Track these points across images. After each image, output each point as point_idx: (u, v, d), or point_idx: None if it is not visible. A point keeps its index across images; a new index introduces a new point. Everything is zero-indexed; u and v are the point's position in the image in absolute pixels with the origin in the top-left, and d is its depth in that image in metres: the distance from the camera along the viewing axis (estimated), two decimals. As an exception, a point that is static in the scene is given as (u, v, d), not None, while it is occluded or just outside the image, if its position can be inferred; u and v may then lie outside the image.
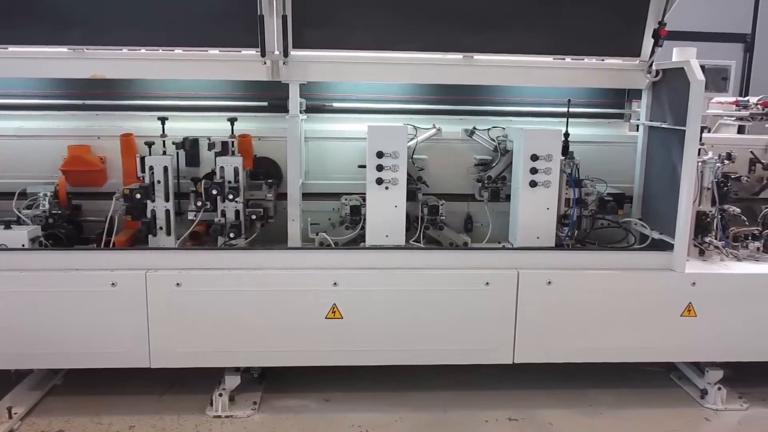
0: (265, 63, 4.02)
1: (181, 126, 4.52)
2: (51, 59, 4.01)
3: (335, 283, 3.85)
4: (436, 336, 3.96)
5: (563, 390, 4.27)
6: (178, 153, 4.38)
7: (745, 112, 4.87)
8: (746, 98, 4.97)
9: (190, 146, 4.38)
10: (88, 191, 4.49)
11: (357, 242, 4.37)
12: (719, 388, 4.15)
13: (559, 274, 3.97)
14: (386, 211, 4.18)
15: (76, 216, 4.46)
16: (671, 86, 4.16)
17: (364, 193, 4.22)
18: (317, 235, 4.40)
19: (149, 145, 4.24)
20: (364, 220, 4.27)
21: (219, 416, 3.87)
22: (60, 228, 4.20)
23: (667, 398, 4.26)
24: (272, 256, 3.94)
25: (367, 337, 3.92)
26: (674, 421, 3.99)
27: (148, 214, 4.13)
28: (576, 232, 4.46)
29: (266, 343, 3.88)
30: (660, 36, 4.17)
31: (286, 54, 3.98)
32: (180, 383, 4.19)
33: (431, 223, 4.49)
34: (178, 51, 4.07)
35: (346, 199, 4.44)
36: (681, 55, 4.19)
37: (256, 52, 3.97)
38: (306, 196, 4.48)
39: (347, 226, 4.40)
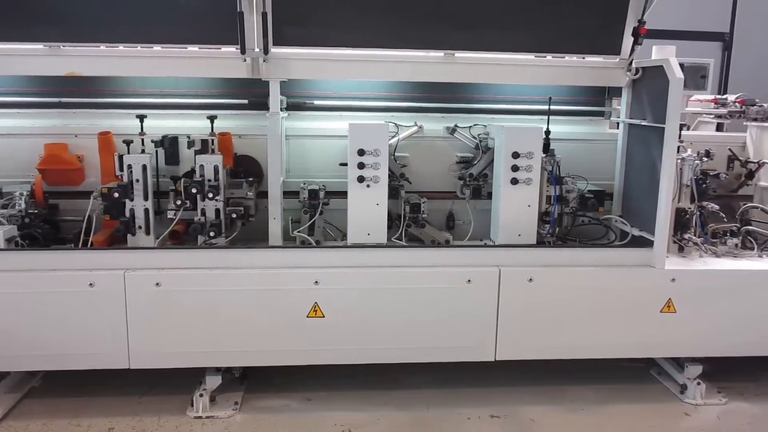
0: (245, 60, 3.98)
1: (160, 124, 4.47)
2: (26, 56, 3.94)
3: (317, 282, 3.83)
4: (418, 334, 3.96)
5: (545, 387, 4.29)
6: (157, 151, 4.33)
7: (723, 110, 4.91)
8: (724, 96, 5.01)
9: (169, 144, 4.33)
10: (65, 190, 4.43)
11: (313, 228, 4.37)
12: (698, 383, 4.19)
13: (541, 271, 3.98)
14: (368, 209, 4.17)
15: (53, 215, 4.40)
16: (651, 84, 4.18)
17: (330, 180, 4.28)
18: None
19: (128, 143, 4.19)
20: (322, 204, 4.30)
21: (200, 417, 3.84)
22: (37, 228, 4.14)
23: (647, 394, 4.29)
24: (253, 255, 3.91)
25: (348, 335, 3.91)
26: (654, 416, 4.02)
27: (127, 214, 4.08)
28: (557, 229, 4.48)
29: (247, 342, 3.85)
30: (640, 34, 4.20)
31: (266, 51, 3.95)
32: (160, 384, 4.14)
33: (413, 220, 4.48)
34: (157, 48, 4.02)
35: (305, 183, 4.42)
36: (660, 53, 4.22)
37: (236, 49, 3.94)
38: (287, 194, 4.44)
39: (305, 211, 4.38)
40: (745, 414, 4.08)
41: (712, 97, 5.00)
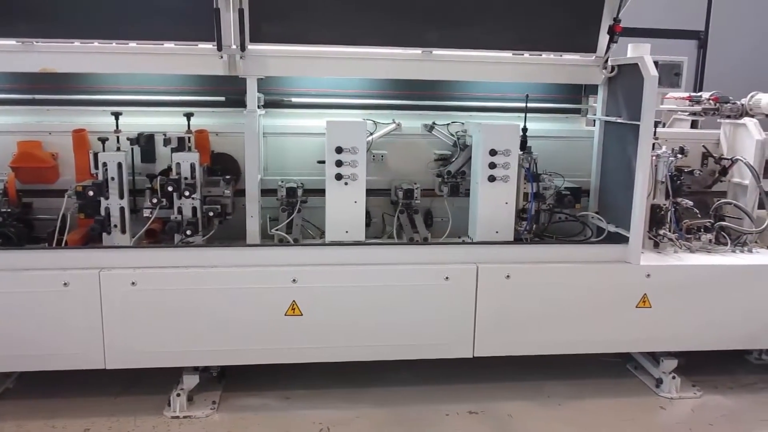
0: (221, 57, 3.96)
1: (136, 121, 4.43)
2: (-1, 52, 3.89)
3: (294, 280, 3.82)
4: (397, 331, 3.96)
5: (522, 382, 4.32)
6: (132, 149, 4.28)
7: (697, 107, 4.97)
8: (699, 94, 5.07)
9: (145, 142, 4.29)
10: (39, 188, 4.37)
11: (291, 226, 4.36)
12: (673, 377, 4.24)
13: (518, 267, 4.01)
14: (346, 207, 4.17)
15: (27, 214, 4.34)
16: (626, 82, 4.22)
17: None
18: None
19: (103, 141, 4.13)
20: (301, 202, 4.31)
21: (177, 417, 3.81)
22: (10, 227, 4.08)
23: (624, 388, 4.34)
24: (230, 254, 3.88)
25: (327, 333, 3.90)
26: (630, 410, 4.07)
27: (102, 212, 4.04)
28: (534, 226, 4.50)
29: (225, 341, 3.83)
30: (615, 32, 4.24)
31: (243, 48, 3.92)
32: (137, 384, 4.11)
33: (406, 207, 4.53)
34: (132, 44, 3.98)
35: (283, 181, 4.39)
36: (635, 51, 4.26)
37: (213, 46, 3.92)
38: (265, 192, 4.42)
39: (283, 209, 4.36)
40: (719, 407, 4.14)
41: (686, 94, 5.05)
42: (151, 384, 4.05)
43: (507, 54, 4.31)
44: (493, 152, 4.24)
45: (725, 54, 7.71)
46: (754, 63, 7.61)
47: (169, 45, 4.00)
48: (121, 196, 4.05)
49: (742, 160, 4.63)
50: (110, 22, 3.91)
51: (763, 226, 4.50)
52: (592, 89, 4.79)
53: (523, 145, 4.44)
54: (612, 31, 4.23)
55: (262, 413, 3.91)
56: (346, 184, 4.14)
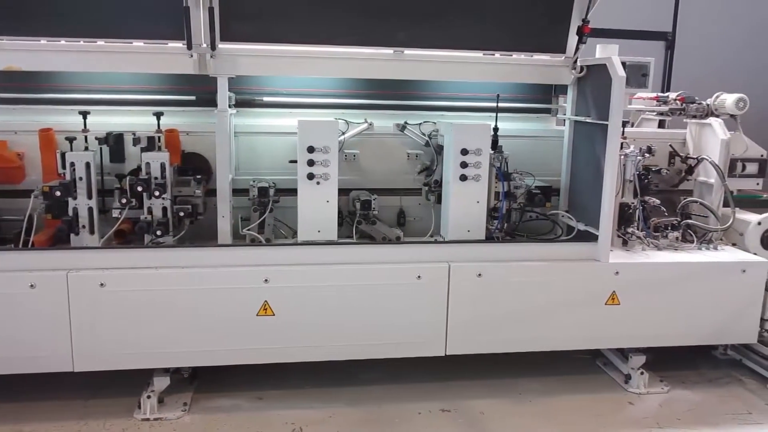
0: (191, 56, 3.93)
1: (105, 121, 4.37)
2: (-39, 50, 3.81)
3: (266, 280, 3.80)
4: (369, 330, 3.97)
5: (494, 380, 4.35)
6: (101, 149, 4.22)
7: (664, 107, 5.05)
8: (666, 94, 5.15)
9: (114, 142, 4.23)
10: (4, 189, 4.29)
11: (263, 226, 4.35)
12: (642, 373, 4.31)
13: (489, 266, 4.04)
14: (318, 207, 4.16)
15: (-7, 215, 4.27)
16: (595, 82, 4.28)
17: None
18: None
19: (70, 140, 4.06)
20: (273, 202, 4.31)
21: (147, 419, 3.77)
22: (-26, 228, 4.01)
23: (593, 384, 4.40)
24: (201, 254, 3.86)
25: (299, 333, 3.89)
26: (600, 405, 4.13)
27: (70, 213, 3.98)
28: (505, 224, 4.54)
29: (196, 342, 3.80)
30: (584, 33, 4.29)
31: (213, 47, 3.89)
32: (107, 387, 4.05)
33: (364, 217, 4.49)
34: (101, 43, 3.93)
35: (254, 181, 4.39)
36: (603, 52, 4.32)
37: (183, 44, 3.88)
38: (236, 192, 4.39)
39: (255, 209, 4.34)
40: (686, 401, 4.22)
41: (654, 94, 5.13)
42: (121, 386, 4.00)
43: (478, 54, 4.34)
44: (464, 152, 4.26)
45: (692, 55, 7.85)
46: (719, 64, 7.76)
47: (138, 43, 3.95)
48: (90, 197, 4.00)
49: (707, 159, 4.72)
50: (78, 19, 3.85)
51: (728, 224, 4.59)
52: (561, 89, 4.85)
53: (494, 145, 4.48)
54: (581, 32, 4.29)
55: (234, 414, 3.89)
56: (318, 183, 4.13)
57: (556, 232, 4.73)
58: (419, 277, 3.95)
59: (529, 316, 4.11)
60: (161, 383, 3.87)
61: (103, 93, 4.49)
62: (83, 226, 4.00)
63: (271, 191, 4.36)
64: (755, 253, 4.50)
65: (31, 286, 3.58)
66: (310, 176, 4.11)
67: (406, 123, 4.70)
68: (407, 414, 3.96)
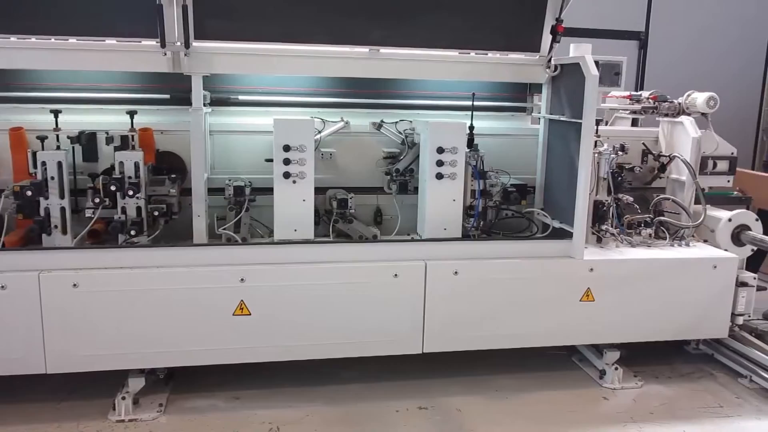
0: (165, 54, 3.89)
1: (77, 119, 4.31)
2: (-72, 47, 3.74)
3: (242, 280, 3.78)
4: (346, 329, 3.97)
5: (470, 377, 4.38)
6: (73, 148, 4.17)
7: (637, 106, 5.11)
8: (639, 93, 5.22)
9: (86, 141, 4.18)
10: (-26, 189, 4.22)
11: (239, 225, 4.33)
12: (616, 368, 4.36)
13: (466, 264, 4.06)
14: (294, 206, 4.15)
15: (-38, 216, 4.18)
16: (568, 81, 4.33)
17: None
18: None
19: (41, 139, 4.01)
20: (249, 201, 4.30)
21: (122, 420, 3.73)
22: (-57, 229, 3.93)
23: (569, 380, 4.45)
24: (176, 254, 3.83)
25: (276, 332, 3.88)
26: (575, 401, 4.17)
27: (42, 212, 3.92)
28: (481, 222, 4.57)
29: (172, 342, 3.77)
30: (557, 32, 4.33)
31: (187, 45, 3.86)
32: (80, 388, 4.00)
33: (340, 216, 4.49)
34: (72, 40, 3.88)
35: (230, 180, 4.37)
36: (577, 51, 4.35)
37: (156, 42, 3.85)
38: (212, 191, 4.36)
39: (231, 208, 4.33)
40: (659, 396, 4.28)
41: (627, 93, 5.20)
42: (95, 388, 3.95)
43: (453, 53, 4.36)
44: (440, 150, 4.28)
45: (664, 54, 7.97)
46: (691, 63, 7.88)
47: (111, 41, 3.91)
48: (62, 196, 3.94)
49: (679, 157, 4.78)
50: (49, 17, 3.79)
51: (699, 221, 4.66)
52: (536, 88, 4.88)
53: (470, 143, 4.50)
54: (555, 31, 4.33)
55: (210, 414, 3.87)
56: (294, 182, 4.12)
57: (532, 229, 4.76)
58: (396, 275, 3.96)
59: (506, 314, 4.14)
60: (136, 384, 3.83)
61: (75, 91, 4.42)
62: (55, 226, 3.95)
63: (247, 190, 4.33)
64: (726, 249, 4.57)
65: (2, 287, 3.52)
66: (287, 175, 4.10)
67: (382, 122, 4.71)
68: (384, 412, 3.96)
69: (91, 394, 3.94)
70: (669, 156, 4.89)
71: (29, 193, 3.84)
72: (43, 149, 3.97)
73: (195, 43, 3.90)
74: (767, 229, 4.71)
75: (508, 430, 3.83)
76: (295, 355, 3.98)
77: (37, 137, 4.02)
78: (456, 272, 4.03)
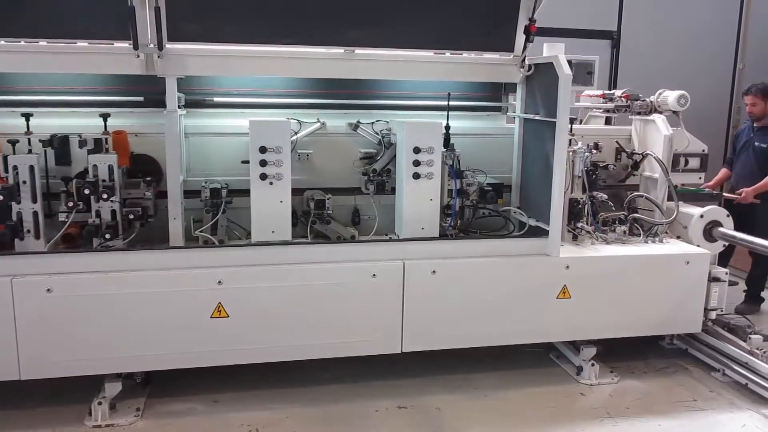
0: (138, 56, 3.87)
1: (49, 123, 4.24)
2: None
3: (220, 282, 3.77)
4: (325, 330, 3.97)
5: (450, 376, 4.40)
6: (45, 151, 4.11)
7: (610, 105, 5.18)
8: (612, 91, 5.29)
9: (59, 144, 4.11)
10: (-56, 194, 4.14)
11: (216, 227, 4.32)
12: (593, 364, 4.42)
13: (443, 263, 4.08)
14: (271, 207, 4.14)
15: (-68, 221, 4.10)
16: (542, 80, 4.37)
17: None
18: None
19: (13, 143, 3.94)
20: (225, 203, 4.29)
21: (99, 426, 3.69)
22: None
23: (546, 377, 4.49)
24: (152, 257, 3.80)
25: (254, 334, 3.87)
26: (552, 397, 4.21)
27: (14, 217, 3.86)
28: (459, 221, 4.60)
29: (149, 346, 3.75)
30: (531, 32, 4.37)
31: (160, 47, 3.84)
32: (56, 394, 3.95)
33: (318, 217, 4.49)
34: (43, 43, 3.83)
35: (206, 182, 4.35)
36: (550, 50, 4.39)
37: (129, 45, 3.81)
38: (188, 193, 4.34)
39: (207, 210, 4.31)
40: (634, 390, 4.34)
41: (600, 92, 5.26)
42: (71, 393, 3.91)
43: (429, 53, 4.38)
44: (417, 150, 4.29)
45: (636, 53, 8.07)
46: (662, 62, 7.99)
47: (82, 44, 3.87)
48: (34, 200, 3.88)
49: (651, 155, 4.85)
50: (18, 19, 3.74)
51: (672, 217, 4.74)
52: (511, 87, 4.91)
53: (446, 143, 4.53)
54: (528, 31, 4.36)
55: (188, 418, 3.85)
56: (271, 183, 4.11)
57: (509, 228, 4.80)
58: (374, 275, 3.97)
59: (483, 312, 4.17)
60: (113, 389, 3.79)
61: (46, 94, 4.36)
62: (28, 231, 3.89)
63: (224, 192, 4.31)
64: (698, 245, 4.65)
65: (-26, 293, 3.47)
66: (263, 176, 4.08)
67: (358, 122, 4.71)
68: (364, 412, 3.97)
69: (67, 400, 3.90)
70: (642, 154, 4.96)
71: (0, 197, 3.78)
72: (14, 153, 3.91)
73: (168, 45, 3.87)
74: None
75: (488, 428, 3.85)
76: (273, 357, 3.97)
77: (8, 141, 3.95)
78: (434, 271, 4.05)
